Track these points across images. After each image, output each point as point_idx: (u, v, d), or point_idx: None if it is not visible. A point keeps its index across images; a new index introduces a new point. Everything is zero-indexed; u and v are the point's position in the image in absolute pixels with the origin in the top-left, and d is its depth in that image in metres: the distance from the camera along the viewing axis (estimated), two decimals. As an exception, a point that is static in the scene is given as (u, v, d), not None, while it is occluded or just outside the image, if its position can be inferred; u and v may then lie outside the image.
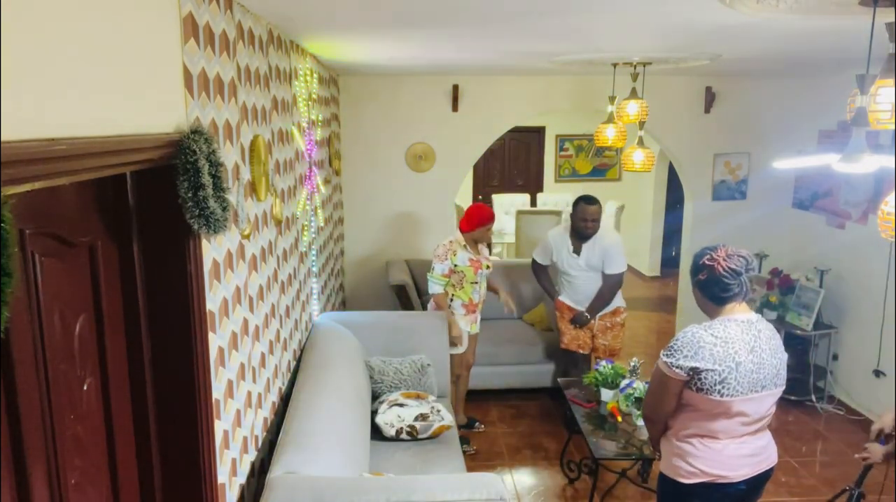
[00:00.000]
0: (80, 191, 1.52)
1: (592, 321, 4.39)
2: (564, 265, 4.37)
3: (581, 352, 4.48)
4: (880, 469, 4.20)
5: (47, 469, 1.41)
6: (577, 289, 4.38)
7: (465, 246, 4.17)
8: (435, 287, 4.18)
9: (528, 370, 4.98)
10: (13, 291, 1.02)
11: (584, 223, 4.19)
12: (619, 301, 4.42)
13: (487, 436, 4.51)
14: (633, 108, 4.19)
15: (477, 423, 4.59)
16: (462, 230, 4.19)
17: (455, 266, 4.14)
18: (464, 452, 3.79)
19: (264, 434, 2.65)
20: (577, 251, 4.28)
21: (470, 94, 5.45)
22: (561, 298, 4.50)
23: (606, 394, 3.78)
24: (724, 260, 2.25)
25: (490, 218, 4.19)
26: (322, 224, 4.31)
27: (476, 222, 4.15)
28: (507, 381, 4.95)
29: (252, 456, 2.44)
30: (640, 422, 3.53)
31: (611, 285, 4.30)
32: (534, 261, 4.55)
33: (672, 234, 8.31)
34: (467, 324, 4.27)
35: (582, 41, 3.30)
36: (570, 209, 9.00)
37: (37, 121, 1.12)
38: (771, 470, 2.44)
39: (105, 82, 1.36)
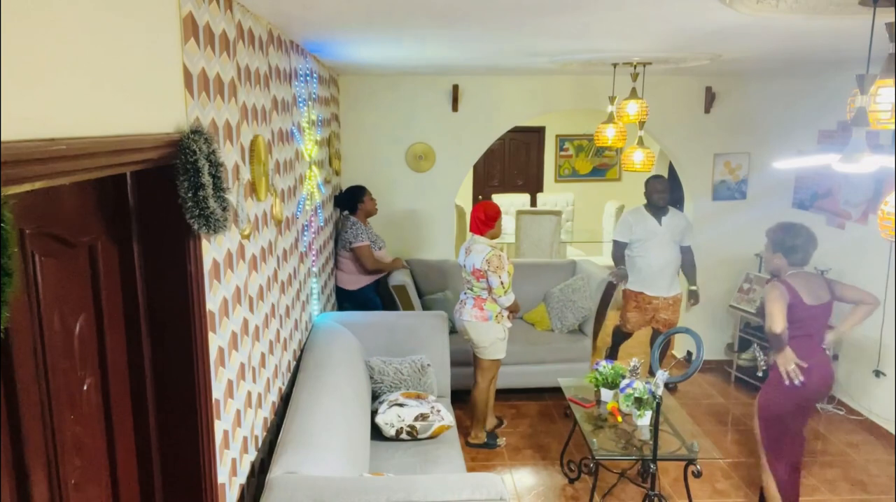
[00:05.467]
0: (80, 191, 1.52)
1: (658, 301, 5.00)
2: (647, 235, 4.90)
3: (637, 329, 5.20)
4: (882, 470, 4.21)
5: (47, 469, 1.41)
6: (649, 264, 4.91)
7: (502, 247, 4.18)
8: (511, 296, 4.12)
9: (528, 370, 4.99)
10: (13, 291, 1.02)
11: (657, 195, 4.88)
12: (678, 282, 5.07)
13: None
14: (633, 108, 4.19)
15: (499, 431, 4.62)
16: (482, 233, 4.12)
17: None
18: (498, 445, 4.41)
19: (264, 434, 2.65)
20: (659, 222, 4.92)
21: (470, 94, 5.45)
22: (629, 287, 5.06)
23: (606, 394, 3.78)
24: None
25: (500, 209, 4.24)
26: (322, 224, 4.31)
27: (494, 217, 4.13)
28: (508, 381, 4.95)
29: (252, 456, 2.44)
30: (640, 422, 3.54)
31: (692, 257, 5.08)
32: (615, 243, 5.10)
33: (672, 234, 8.29)
34: (509, 322, 4.29)
35: (582, 41, 3.31)
36: (570, 209, 9.01)
37: (37, 121, 1.12)
38: None
39: (105, 82, 1.36)
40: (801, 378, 3.24)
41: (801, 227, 3.38)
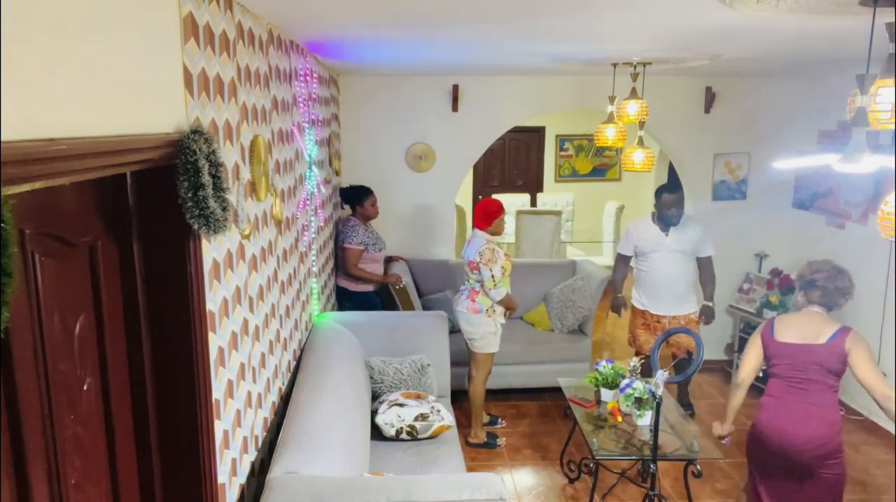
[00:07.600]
0: (80, 191, 1.52)
1: (665, 321, 4.54)
2: (650, 248, 4.49)
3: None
4: (882, 470, 4.21)
5: (47, 469, 1.41)
6: (656, 278, 4.50)
7: (497, 243, 4.25)
8: (501, 290, 4.17)
9: (528, 370, 4.99)
10: (13, 291, 1.02)
11: (666, 210, 4.41)
12: (693, 300, 4.61)
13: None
14: (633, 108, 4.19)
15: (499, 431, 4.62)
16: (482, 228, 4.22)
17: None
18: (498, 445, 4.40)
19: (264, 434, 2.65)
20: (665, 233, 4.48)
21: (470, 94, 5.45)
22: (635, 303, 4.67)
23: (606, 394, 3.78)
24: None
25: (503, 207, 4.30)
26: (322, 224, 4.31)
27: (494, 214, 4.21)
28: (507, 381, 4.95)
29: (252, 456, 2.44)
30: (640, 422, 3.54)
31: (711, 270, 4.61)
32: (618, 256, 4.79)
33: (672, 234, 8.28)
34: (503, 318, 4.33)
35: (582, 41, 3.31)
36: (570, 209, 8.99)
37: (37, 121, 1.12)
38: None
39: (105, 82, 1.36)
40: (723, 433, 3.22)
41: (826, 263, 3.04)
